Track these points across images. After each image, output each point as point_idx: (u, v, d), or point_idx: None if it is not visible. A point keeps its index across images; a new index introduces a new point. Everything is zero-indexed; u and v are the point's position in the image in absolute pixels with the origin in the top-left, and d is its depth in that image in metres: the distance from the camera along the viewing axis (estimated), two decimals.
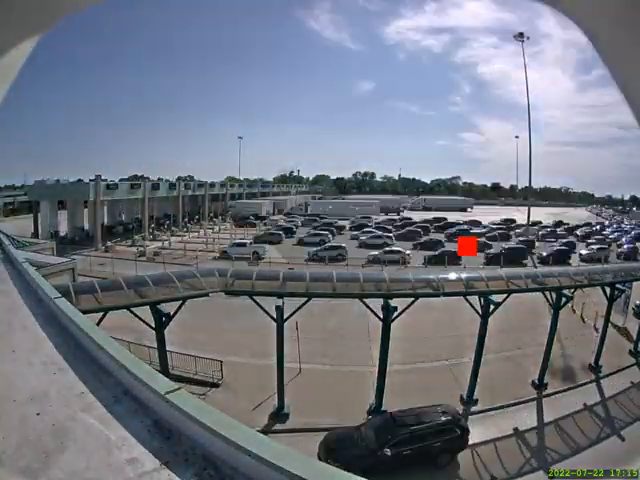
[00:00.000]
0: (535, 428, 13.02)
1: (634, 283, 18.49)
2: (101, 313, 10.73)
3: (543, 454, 11.92)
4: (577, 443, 12.15)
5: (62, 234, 41.60)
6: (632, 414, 13.50)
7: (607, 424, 13.23)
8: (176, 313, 12.17)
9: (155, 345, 12.44)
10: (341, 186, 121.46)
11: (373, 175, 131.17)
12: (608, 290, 16.84)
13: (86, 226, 44.33)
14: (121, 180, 53.56)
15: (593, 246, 39.15)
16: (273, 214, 65.50)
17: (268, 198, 77.77)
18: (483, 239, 41.00)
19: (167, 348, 12.51)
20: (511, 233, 48.19)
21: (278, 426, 12.57)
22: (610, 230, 55.30)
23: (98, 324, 9.09)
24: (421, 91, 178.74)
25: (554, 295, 15.25)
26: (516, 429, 12.82)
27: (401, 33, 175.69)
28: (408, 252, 34.60)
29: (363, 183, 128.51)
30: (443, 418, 11.57)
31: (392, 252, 34.11)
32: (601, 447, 11.96)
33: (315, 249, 35.20)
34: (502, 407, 13.88)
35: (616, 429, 12.83)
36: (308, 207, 70.83)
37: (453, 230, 47.23)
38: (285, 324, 13.01)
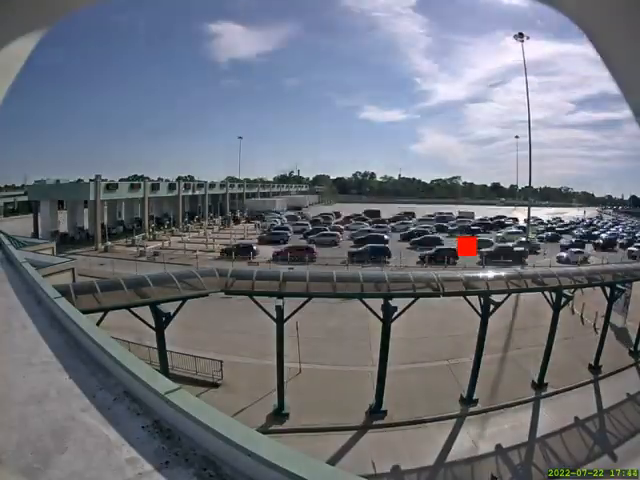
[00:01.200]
0: (534, 428, 13.03)
1: (634, 283, 18.50)
2: (101, 313, 10.74)
3: (542, 454, 11.92)
4: (577, 444, 12.16)
5: (62, 234, 41.61)
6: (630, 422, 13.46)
7: (606, 426, 13.22)
8: (176, 313, 12.16)
9: (155, 345, 12.44)
10: (341, 186, 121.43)
11: (373, 175, 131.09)
12: (608, 290, 16.85)
13: (86, 226, 44.36)
14: (121, 180, 53.63)
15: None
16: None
17: (280, 197, 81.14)
18: None
19: (167, 348, 12.52)
20: None
21: (278, 426, 12.58)
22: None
23: (98, 324, 9.10)
24: None
25: (554, 295, 15.25)
26: (515, 429, 12.82)
27: None
28: None
29: (363, 183, 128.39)
30: None
31: None
32: (601, 448, 11.97)
33: None
34: (502, 407, 13.89)
35: (614, 432, 12.82)
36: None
37: None
38: (285, 324, 13.02)
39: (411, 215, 62.10)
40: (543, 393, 14.89)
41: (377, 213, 62.33)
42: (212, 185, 64.27)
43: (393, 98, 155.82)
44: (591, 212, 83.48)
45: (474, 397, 14.08)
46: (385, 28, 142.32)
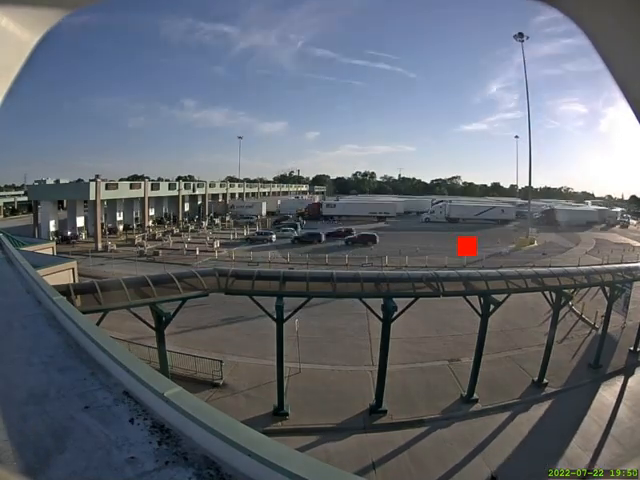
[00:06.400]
0: (535, 428, 13.02)
1: (634, 283, 18.47)
2: (101, 313, 10.74)
3: (543, 454, 11.91)
4: (577, 444, 12.14)
5: (62, 234, 41.63)
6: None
7: (606, 426, 13.21)
8: (176, 313, 12.16)
9: (155, 345, 12.44)
10: (341, 186, 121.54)
11: (373, 175, 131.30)
12: (608, 290, 16.83)
13: (85, 224, 44.41)
14: (121, 180, 53.70)
15: None
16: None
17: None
18: None
19: (167, 348, 12.52)
20: None
21: (278, 426, 12.57)
22: None
23: (98, 324, 9.10)
24: None
25: (554, 295, 15.24)
26: (515, 428, 12.82)
27: None
28: None
29: (363, 183, 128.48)
30: None
31: None
32: (602, 448, 11.95)
33: None
34: (502, 407, 13.88)
35: (615, 432, 12.78)
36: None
37: None
38: (285, 324, 13.03)
39: None
40: (543, 393, 14.89)
41: None
42: (212, 185, 64.38)
43: None
44: None
45: (474, 397, 14.09)
46: None
